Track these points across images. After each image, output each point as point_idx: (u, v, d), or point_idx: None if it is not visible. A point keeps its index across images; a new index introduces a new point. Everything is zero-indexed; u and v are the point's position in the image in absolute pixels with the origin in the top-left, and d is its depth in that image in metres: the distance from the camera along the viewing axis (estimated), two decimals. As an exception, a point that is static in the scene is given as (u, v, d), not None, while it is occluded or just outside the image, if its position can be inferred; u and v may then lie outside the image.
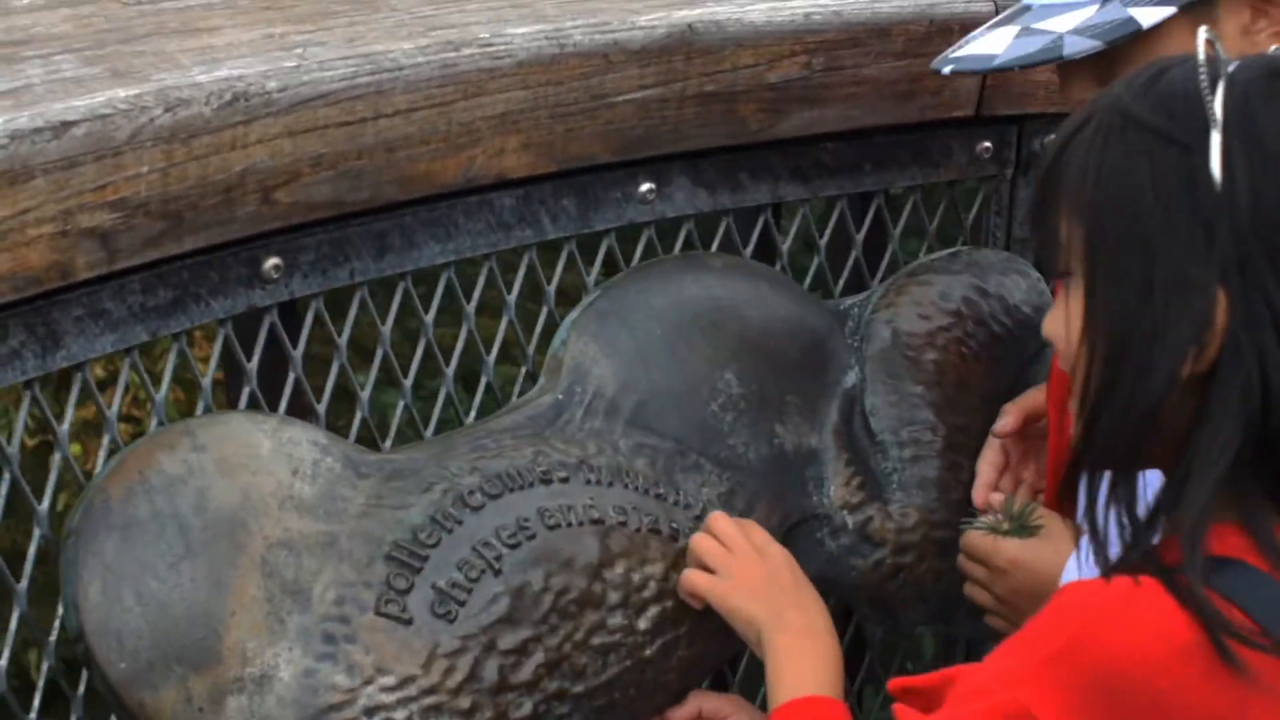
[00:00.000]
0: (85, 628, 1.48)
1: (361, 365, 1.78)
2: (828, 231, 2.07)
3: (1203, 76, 1.29)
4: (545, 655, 1.63)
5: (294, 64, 1.59)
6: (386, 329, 1.77)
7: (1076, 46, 1.65)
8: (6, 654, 1.54)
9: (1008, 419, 1.90)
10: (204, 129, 1.52)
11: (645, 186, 1.89)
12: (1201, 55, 1.30)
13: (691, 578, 1.72)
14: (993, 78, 2.06)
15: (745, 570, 1.71)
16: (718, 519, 1.76)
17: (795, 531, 1.86)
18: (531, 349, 1.88)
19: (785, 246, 2.03)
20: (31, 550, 1.55)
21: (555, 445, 1.73)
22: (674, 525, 1.75)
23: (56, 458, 1.55)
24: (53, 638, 1.56)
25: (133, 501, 1.51)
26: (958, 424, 1.96)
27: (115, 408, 1.58)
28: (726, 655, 1.83)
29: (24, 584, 1.55)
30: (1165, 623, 1.26)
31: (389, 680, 1.56)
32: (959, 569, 1.83)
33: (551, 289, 1.88)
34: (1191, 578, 1.26)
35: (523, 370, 1.88)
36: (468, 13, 1.77)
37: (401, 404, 1.79)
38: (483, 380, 1.86)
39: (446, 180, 1.73)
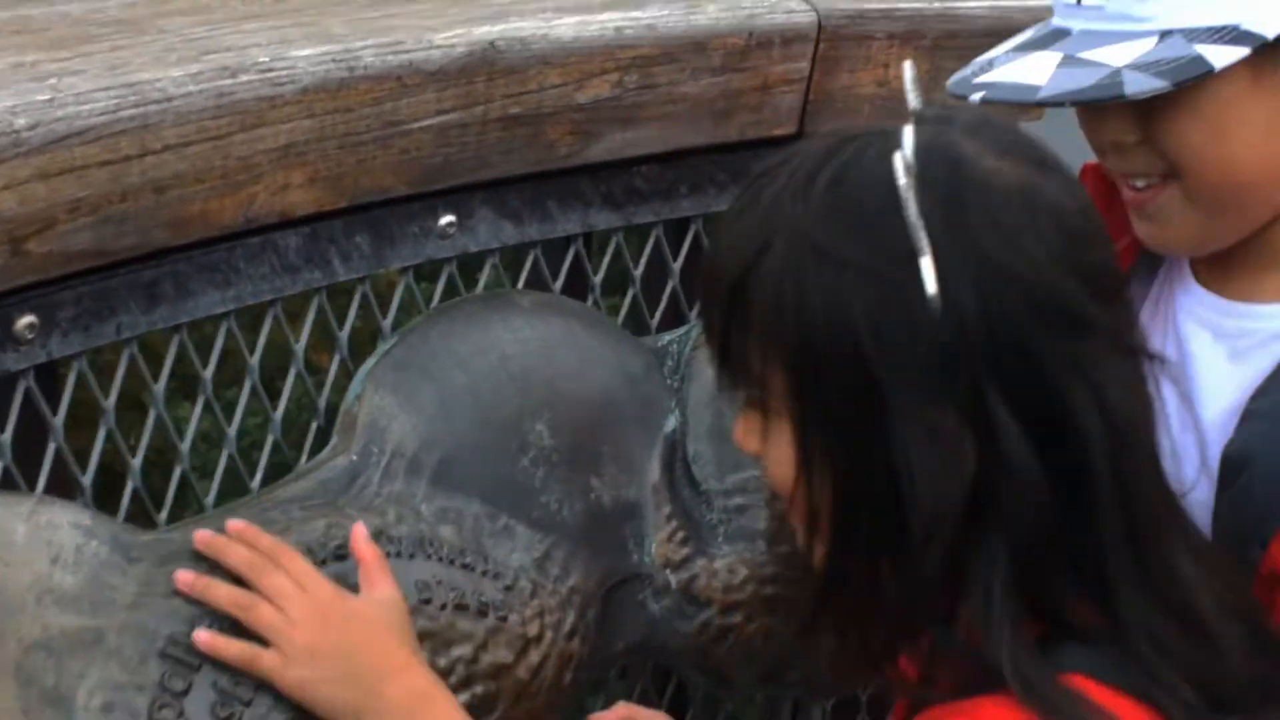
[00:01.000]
0: None
1: (133, 429, 1.59)
2: (642, 261, 1.92)
3: (906, 198, 1.15)
4: (342, 757, 1.46)
5: (47, 97, 1.40)
6: (160, 388, 1.58)
7: (1140, 85, 1.43)
8: None
9: None
10: (-62, 176, 1.33)
11: (445, 219, 1.73)
12: (900, 170, 1.16)
13: (228, 649, 1.40)
14: (817, 91, 1.92)
15: (308, 634, 1.41)
16: (247, 536, 1.44)
17: (616, 593, 1.71)
18: (322, 403, 1.70)
19: (597, 279, 1.88)
20: None
21: (350, 515, 1.55)
22: (482, 599, 1.58)
23: None
24: None
25: None
26: (786, 469, 1.82)
27: None
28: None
29: None
30: None
31: (165, 796, 1.39)
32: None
33: (343, 336, 1.71)
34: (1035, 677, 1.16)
35: (314, 426, 1.71)
36: (246, 34, 1.59)
37: (179, 470, 1.61)
38: (269, 439, 1.69)
39: (224, 221, 1.55)
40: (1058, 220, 1.18)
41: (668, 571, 1.74)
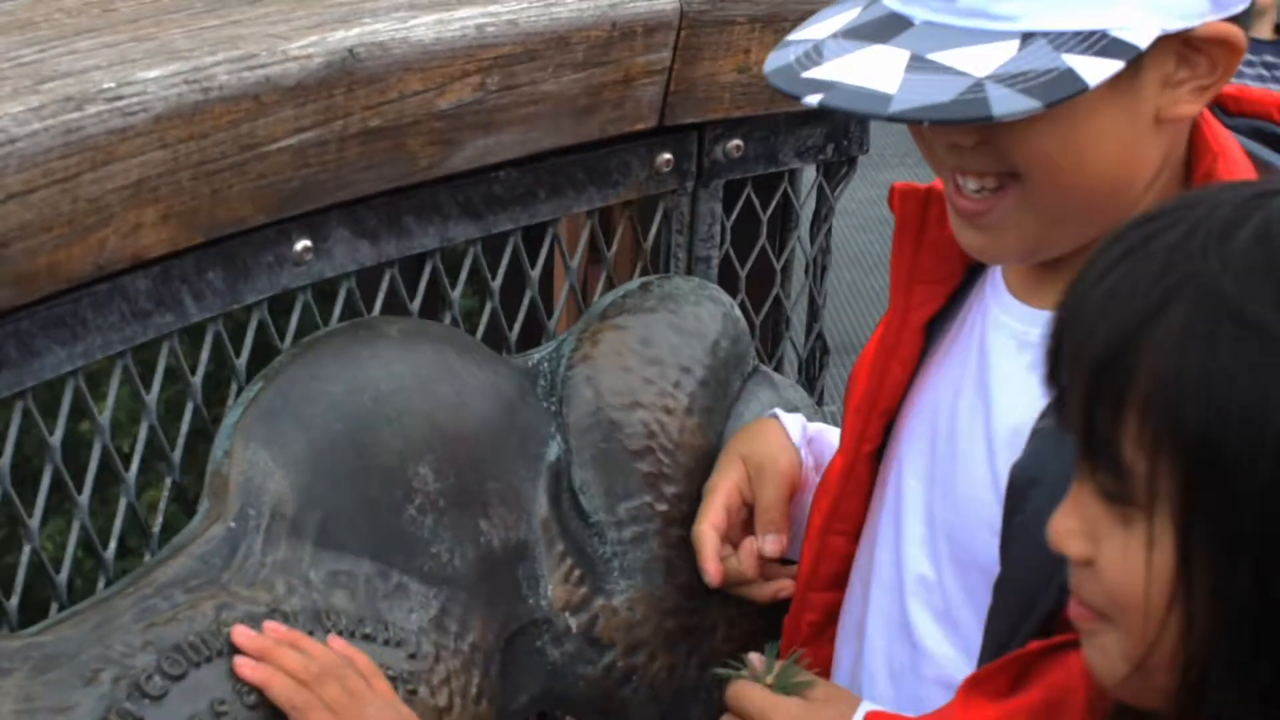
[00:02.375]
0: None
1: (-23, 513, 1.40)
2: (500, 272, 1.77)
3: None
4: None
5: (-125, 150, 1.20)
6: (4, 461, 1.39)
7: (1010, 105, 1.25)
8: None
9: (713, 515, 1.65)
10: None
11: (300, 245, 1.56)
12: None
13: None
14: (678, 81, 1.79)
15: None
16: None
17: (514, 643, 1.58)
18: (177, 456, 1.53)
19: (455, 294, 1.73)
20: None
21: (239, 592, 1.39)
22: (390, 672, 1.44)
23: None
24: None
25: None
26: (676, 492, 1.70)
27: None
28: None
29: None
30: None
31: None
32: None
33: (197, 380, 1.53)
34: None
35: (168, 482, 1.53)
36: (82, 54, 1.40)
37: (28, 550, 1.42)
38: (122, 502, 1.50)
39: (73, 272, 1.36)
40: None
41: (566, 615, 1.61)
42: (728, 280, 1.94)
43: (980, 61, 1.27)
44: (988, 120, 1.25)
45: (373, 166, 1.57)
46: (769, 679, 1.49)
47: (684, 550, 1.67)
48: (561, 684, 1.61)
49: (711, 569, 1.64)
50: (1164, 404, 0.93)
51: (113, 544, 1.49)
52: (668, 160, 1.85)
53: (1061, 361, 0.99)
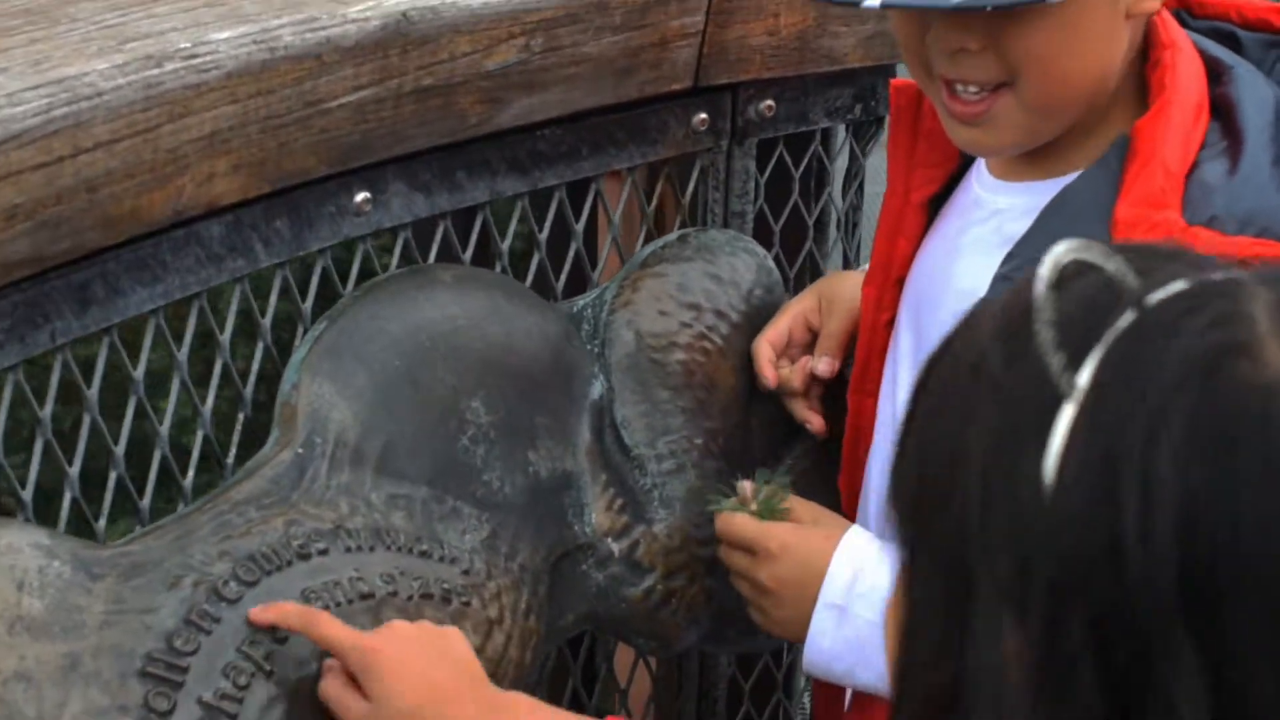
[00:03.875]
0: None
1: (69, 438, 1.52)
2: (547, 225, 1.89)
3: (1043, 324, 0.84)
4: (335, 765, 1.43)
5: (-23, 101, 1.33)
6: (94, 392, 1.52)
7: None
8: None
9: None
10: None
11: (360, 196, 1.68)
12: (1047, 273, 0.84)
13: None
14: (711, 43, 1.90)
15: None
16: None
17: (561, 566, 1.69)
18: (248, 392, 1.65)
19: (505, 246, 1.85)
20: None
21: (307, 511, 1.51)
22: (445, 586, 1.56)
23: None
24: None
25: None
26: (712, 428, 1.81)
27: None
28: None
29: None
30: None
31: (163, 823, 1.34)
32: (720, 556, 1.70)
33: (267, 322, 1.66)
34: None
35: (240, 418, 1.65)
36: (159, 18, 1.52)
37: (113, 476, 1.55)
38: (198, 434, 1.63)
39: (154, 216, 1.49)
40: None
41: (609, 540, 1.73)
42: (762, 235, 2.05)
43: None
44: (1004, 7, 1.42)
45: (426, 123, 1.69)
46: (754, 505, 1.66)
47: (719, 480, 1.79)
48: (605, 605, 1.73)
49: (768, 373, 1.80)
50: (912, 443, 0.90)
51: (190, 473, 1.62)
52: (703, 120, 1.96)
53: None
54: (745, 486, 1.70)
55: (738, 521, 1.67)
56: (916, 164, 1.67)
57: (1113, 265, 0.84)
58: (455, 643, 1.48)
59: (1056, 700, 0.81)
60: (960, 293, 1.55)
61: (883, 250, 1.69)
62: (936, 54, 1.51)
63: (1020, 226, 1.54)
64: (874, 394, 1.71)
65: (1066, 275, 0.84)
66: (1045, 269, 0.83)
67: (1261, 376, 0.81)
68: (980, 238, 1.59)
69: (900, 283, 1.67)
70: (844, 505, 1.76)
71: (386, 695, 1.41)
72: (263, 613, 1.44)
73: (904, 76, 1.71)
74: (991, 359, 0.85)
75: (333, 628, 1.44)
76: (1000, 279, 1.52)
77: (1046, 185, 1.55)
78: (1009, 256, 1.53)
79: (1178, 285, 0.84)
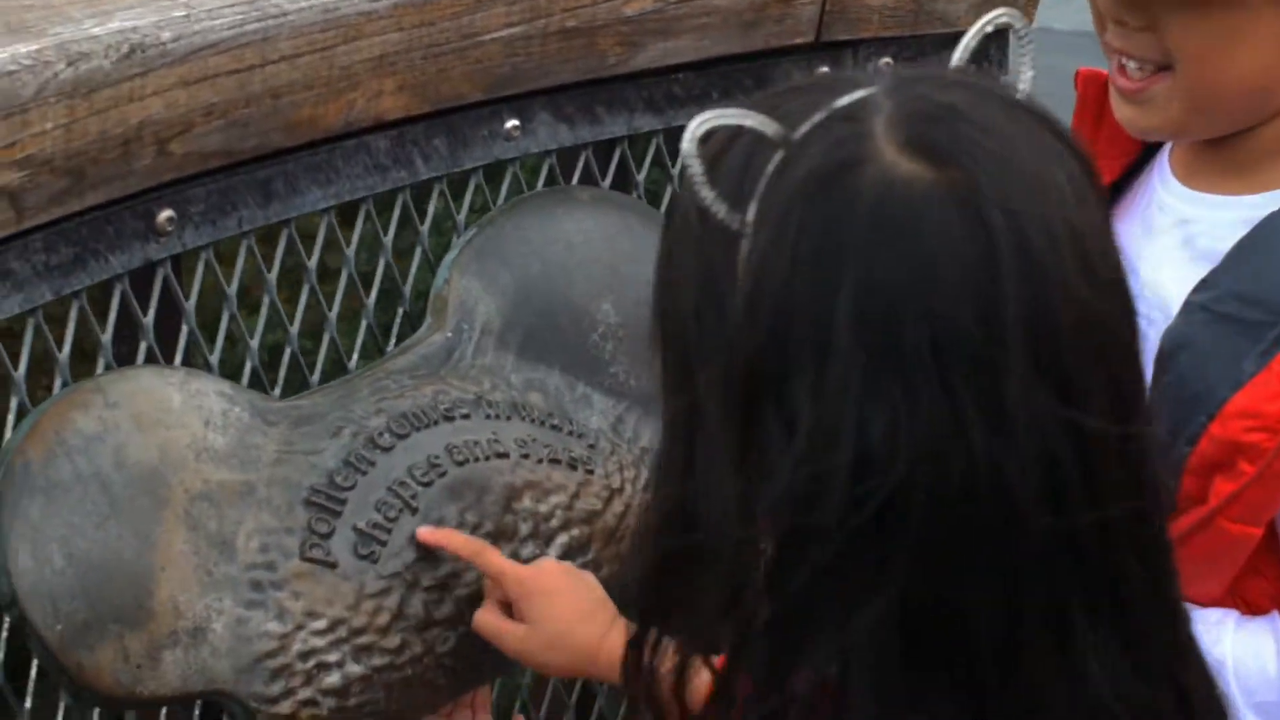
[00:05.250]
0: (18, 592, 1.47)
1: (251, 314, 1.77)
2: (679, 162, 2.10)
3: (694, 165, 1.00)
4: (467, 589, 1.66)
5: (183, 14, 1.58)
6: (273, 277, 1.76)
7: None
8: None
9: None
10: (104, 82, 1.50)
11: (510, 123, 1.91)
12: (689, 146, 1.01)
13: (452, 540, 1.65)
14: (830, 4, 2.11)
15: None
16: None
17: (678, 455, 1.90)
18: (408, 289, 1.89)
19: (641, 177, 2.07)
20: (-51, 518, 1.52)
21: (453, 383, 1.74)
22: (572, 455, 1.78)
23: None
24: (-29, 605, 1.54)
25: (53, 463, 1.50)
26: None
27: (23, 369, 1.56)
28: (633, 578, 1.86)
29: (-57, 551, 1.52)
30: None
31: (320, 624, 1.57)
32: None
33: (424, 229, 1.90)
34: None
35: (400, 311, 1.89)
36: (336, -44, 1.77)
37: (289, 350, 1.79)
38: (363, 323, 1.87)
39: (328, 125, 1.73)
40: None
41: (723, 434, 1.93)
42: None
43: None
44: None
45: (569, 60, 1.92)
46: None
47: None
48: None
49: None
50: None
51: (355, 355, 1.85)
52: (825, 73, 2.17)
53: None
54: None
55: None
56: (1097, 152, 1.63)
57: (751, 120, 0.99)
58: (591, 578, 1.70)
59: (747, 460, 0.99)
60: (1149, 301, 1.53)
61: None
62: (1107, 21, 1.55)
63: (1213, 243, 1.55)
64: None
65: (716, 145, 1.00)
66: (688, 146, 1.00)
67: (873, 179, 0.97)
68: (1167, 247, 1.59)
69: None
70: None
71: (541, 618, 1.62)
72: (431, 534, 1.65)
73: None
74: (691, 219, 1.02)
75: (495, 557, 1.65)
76: (1198, 308, 1.50)
77: (1240, 201, 1.56)
78: (1205, 283, 1.52)
79: (815, 117, 0.99)
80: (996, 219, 0.97)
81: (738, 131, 1.00)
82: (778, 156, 0.99)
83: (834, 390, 0.96)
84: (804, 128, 0.99)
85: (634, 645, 1.09)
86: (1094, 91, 1.70)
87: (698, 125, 1.00)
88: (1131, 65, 1.56)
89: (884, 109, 0.99)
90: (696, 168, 1.00)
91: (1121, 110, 1.59)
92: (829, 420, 0.96)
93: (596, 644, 1.59)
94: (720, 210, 0.99)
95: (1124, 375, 1.02)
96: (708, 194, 0.99)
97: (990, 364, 0.97)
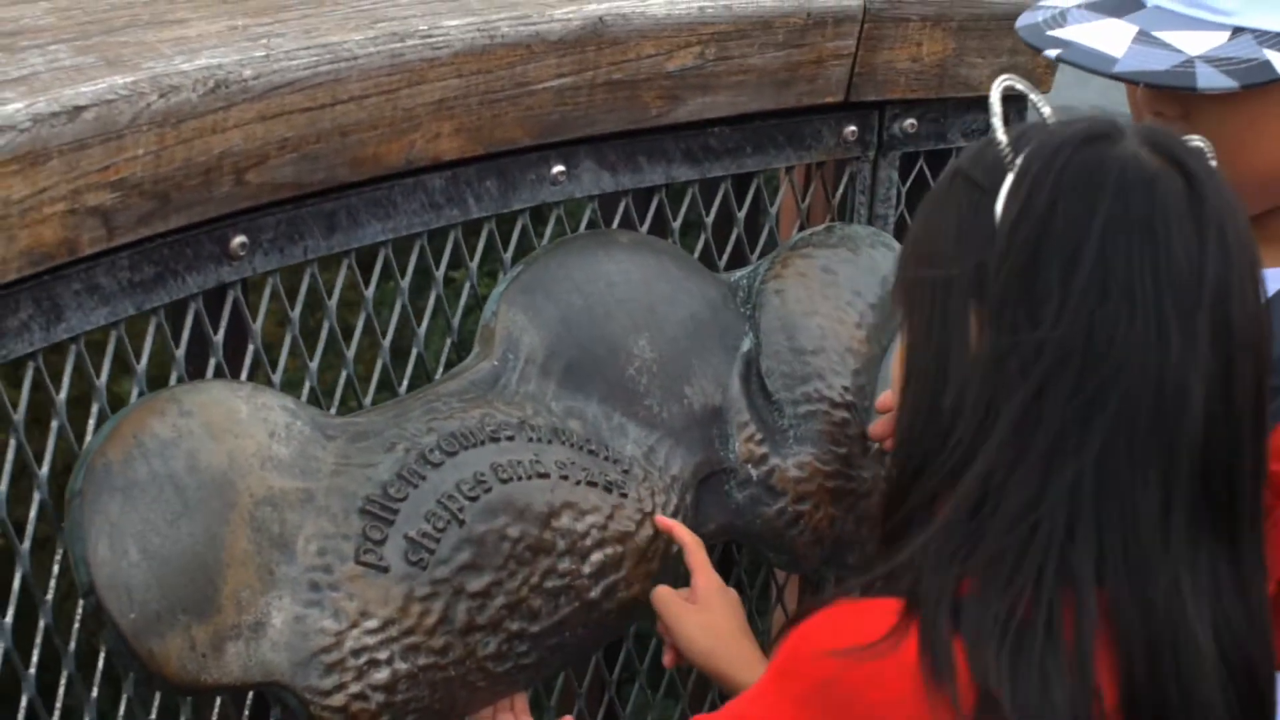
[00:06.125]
0: (96, 582, 1.58)
1: (310, 336, 1.89)
2: (713, 211, 2.23)
3: (996, 120, 1.39)
4: (506, 598, 1.77)
5: (263, 54, 1.70)
6: (333, 303, 1.88)
7: (1212, 81, 1.57)
8: (11, 611, 1.62)
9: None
10: (191, 114, 1.63)
11: (557, 169, 2.04)
12: (996, 97, 1.41)
13: (683, 533, 1.91)
14: (862, 65, 2.24)
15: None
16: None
17: (706, 484, 2.02)
18: (456, 321, 2.01)
19: (676, 224, 2.19)
20: (32, 513, 1.63)
21: (499, 408, 1.86)
22: (608, 478, 1.89)
23: (54, 425, 1.64)
24: (49, 596, 1.65)
25: (131, 464, 1.61)
26: (844, 384, 2.13)
27: (104, 378, 1.68)
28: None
29: (26, 545, 1.64)
30: (884, 633, 1.31)
31: (372, 624, 1.69)
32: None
33: (474, 265, 2.02)
34: (939, 621, 1.31)
35: (448, 342, 2.01)
36: (402, 6, 1.90)
37: (345, 374, 1.91)
38: (414, 351, 1.99)
39: (390, 163, 1.85)
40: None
41: (749, 466, 2.05)
42: (901, 238, 2.37)
43: (1195, 44, 1.59)
44: (1192, 90, 1.58)
45: (614, 110, 2.04)
46: None
47: (845, 428, 2.11)
48: (742, 521, 2.05)
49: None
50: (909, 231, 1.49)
51: (405, 382, 1.97)
52: (853, 131, 2.29)
53: None
54: None
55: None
56: None
57: (1035, 95, 1.45)
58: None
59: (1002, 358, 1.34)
60: None
61: None
62: (1144, 112, 1.65)
63: None
64: None
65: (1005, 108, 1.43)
66: (995, 94, 1.43)
67: (1124, 149, 1.36)
68: None
69: None
70: None
71: (719, 608, 1.85)
72: (663, 520, 1.91)
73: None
74: (965, 165, 1.42)
75: (703, 554, 1.89)
76: None
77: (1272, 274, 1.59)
78: None
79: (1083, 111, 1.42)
80: (1210, 204, 1.35)
81: (1022, 100, 1.43)
82: (1052, 120, 1.40)
83: (1075, 300, 1.32)
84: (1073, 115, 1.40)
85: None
86: None
87: (1001, 82, 1.42)
88: None
89: (1133, 127, 1.39)
90: (997, 109, 1.40)
91: None
92: (1067, 324, 1.32)
93: (739, 649, 1.82)
94: (1001, 145, 1.37)
95: (1263, 372, 1.37)
96: (999, 127, 1.38)
97: (1190, 299, 1.32)
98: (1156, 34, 1.61)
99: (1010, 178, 1.36)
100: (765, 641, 2.35)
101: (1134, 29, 1.62)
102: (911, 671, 1.28)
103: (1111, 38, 1.62)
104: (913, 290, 1.43)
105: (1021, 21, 1.71)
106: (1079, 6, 1.68)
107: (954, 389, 1.35)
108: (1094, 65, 1.62)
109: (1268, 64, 1.57)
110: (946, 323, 1.37)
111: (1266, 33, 1.59)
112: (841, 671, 1.30)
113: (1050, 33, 1.66)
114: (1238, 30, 1.60)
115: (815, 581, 2.21)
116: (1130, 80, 1.61)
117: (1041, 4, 1.72)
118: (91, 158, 1.54)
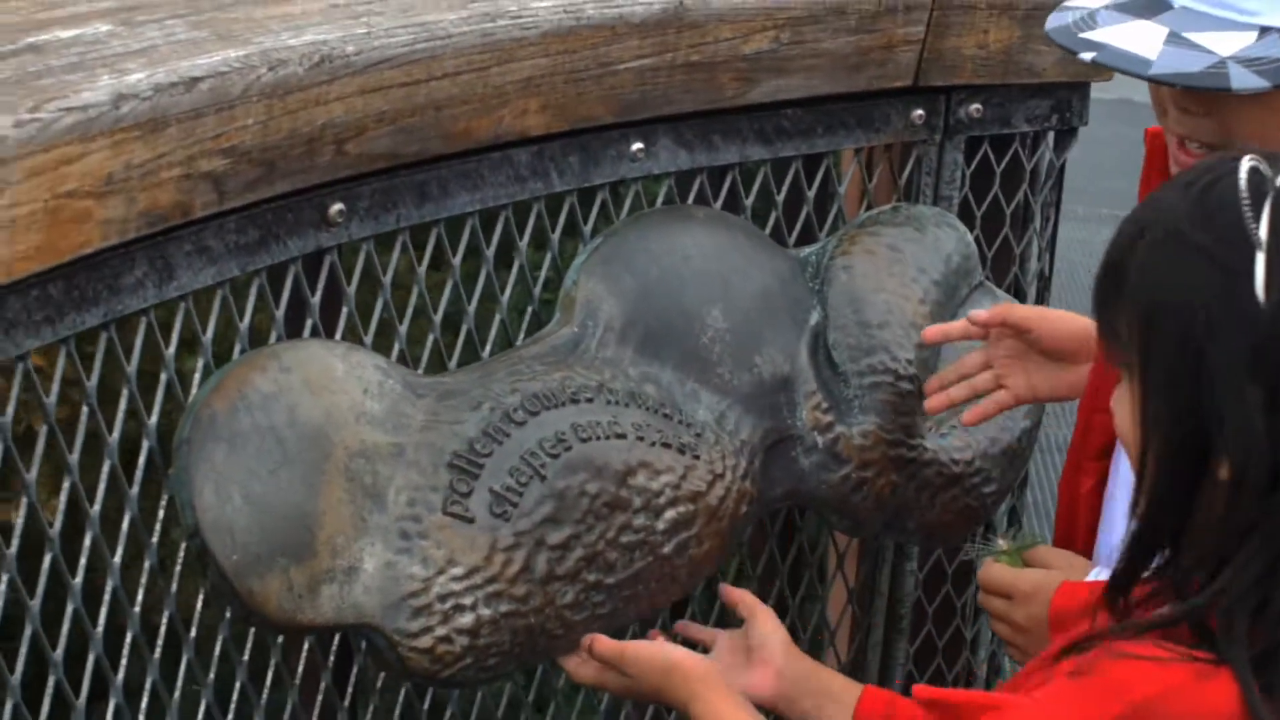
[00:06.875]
0: (201, 524, 1.68)
1: (400, 301, 1.99)
2: (784, 189, 2.32)
3: (1245, 199, 1.38)
4: (584, 550, 1.87)
5: (364, 31, 1.80)
6: (422, 270, 1.98)
7: (1245, 81, 1.61)
8: (120, 551, 1.73)
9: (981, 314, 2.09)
10: (297, 86, 1.72)
11: (636, 146, 2.13)
12: (1244, 175, 1.38)
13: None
14: (930, 51, 2.32)
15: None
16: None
17: (775, 449, 2.11)
18: (537, 290, 2.11)
19: (749, 202, 2.28)
20: (142, 460, 1.74)
21: (579, 371, 1.95)
22: (681, 441, 1.98)
23: (162, 378, 1.75)
24: (154, 539, 1.76)
25: (235, 416, 1.72)
26: (907, 358, 2.22)
27: (210, 334, 1.78)
28: (730, 556, 2.07)
29: (135, 489, 1.74)
30: (1230, 710, 1.39)
31: (458, 571, 1.79)
32: (979, 603, 1.97)
33: (555, 237, 2.11)
34: (1241, 670, 1.39)
35: (529, 310, 2.11)
36: (494, -12, 2.00)
37: (431, 337, 2.01)
38: (496, 318, 2.09)
39: (479, 137, 1.95)
40: None
41: (815, 433, 2.14)
42: (965, 220, 2.45)
43: (1225, 44, 1.63)
44: (1226, 91, 1.63)
45: (691, 91, 2.13)
46: (1007, 550, 1.95)
47: (908, 400, 2.19)
48: (807, 486, 2.14)
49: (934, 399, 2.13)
50: (1134, 292, 1.44)
51: (489, 346, 2.07)
52: (920, 115, 2.37)
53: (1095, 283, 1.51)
54: (1001, 541, 1.99)
55: (995, 569, 1.91)
56: None
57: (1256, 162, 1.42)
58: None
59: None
60: None
61: None
62: (1170, 108, 1.71)
63: None
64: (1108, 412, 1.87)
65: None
66: (1243, 183, 1.40)
67: None
68: None
69: None
70: (1057, 516, 2.00)
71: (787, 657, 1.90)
72: (728, 592, 1.97)
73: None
74: (1189, 230, 1.40)
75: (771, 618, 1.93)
76: None
77: None
78: None
79: None
80: None
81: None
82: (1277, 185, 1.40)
83: None
84: None
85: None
86: (1160, 146, 1.88)
87: (1248, 163, 1.40)
88: (1195, 145, 1.74)
89: None
90: (1245, 195, 1.39)
91: None
92: None
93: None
94: (1249, 227, 1.37)
95: None
96: (1249, 214, 1.38)
97: None
98: (1187, 35, 1.64)
99: (1261, 257, 1.37)
100: (815, 634, 2.45)
101: (1164, 30, 1.66)
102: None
103: (1143, 40, 1.65)
104: (1162, 362, 1.42)
105: (1051, 23, 1.74)
106: (1107, 8, 1.72)
107: (1235, 463, 1.39)
108: (1129, 68, 1.65)
109: None
110: (1216, 400, 1.39)
111: None
112: None
113: (1082, 35, 1.69)
114: (1264, 30, 1.65)
115: (874, 549, 2.30)
116: (1167, 83, 1.65)
117: (1069, 4, 1.76)
118: (205, 126, 1.65)
